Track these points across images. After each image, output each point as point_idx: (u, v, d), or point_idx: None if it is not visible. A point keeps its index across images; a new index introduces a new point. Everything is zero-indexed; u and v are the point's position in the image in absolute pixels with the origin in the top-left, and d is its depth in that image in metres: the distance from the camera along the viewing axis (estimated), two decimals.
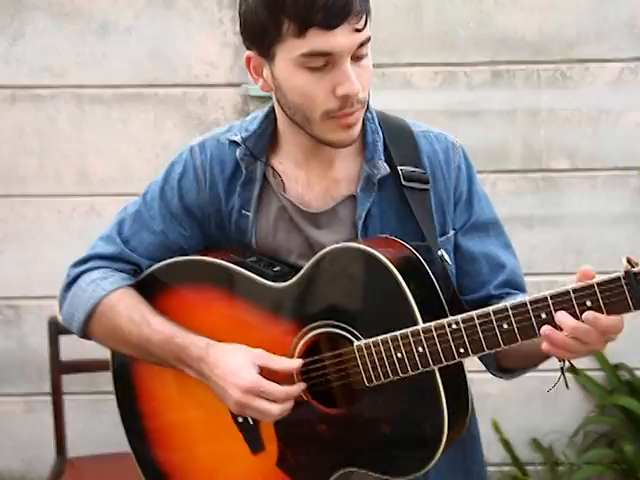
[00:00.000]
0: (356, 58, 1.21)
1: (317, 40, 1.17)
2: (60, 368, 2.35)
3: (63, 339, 2.35)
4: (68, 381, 2.39)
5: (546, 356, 1.23)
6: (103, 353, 2.41)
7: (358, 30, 1.18)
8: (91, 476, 2.30)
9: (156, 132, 2.63)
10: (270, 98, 1.32)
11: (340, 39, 1.17)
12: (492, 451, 2.66)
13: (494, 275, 1.35)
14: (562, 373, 1.23)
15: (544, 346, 1.14)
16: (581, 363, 2.66)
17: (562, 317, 1.12)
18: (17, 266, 2.67)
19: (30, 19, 2.58)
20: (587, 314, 1.11)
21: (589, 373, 2.70)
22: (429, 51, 2.60)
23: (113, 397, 1.47)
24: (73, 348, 2.39)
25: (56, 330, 2.34)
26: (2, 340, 2.71)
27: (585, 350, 1.14)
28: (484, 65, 2.60)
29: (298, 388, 1.27)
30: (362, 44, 1.20)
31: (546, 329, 1.13)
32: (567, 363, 1.21)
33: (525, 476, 2.70)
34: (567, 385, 1.24)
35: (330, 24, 1.16)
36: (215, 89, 2.61)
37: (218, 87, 2.61)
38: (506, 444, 2.71)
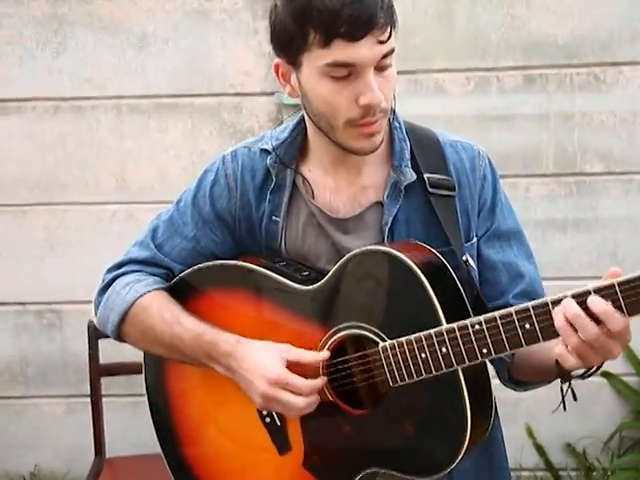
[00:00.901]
0: (380, 68, 1.23)
1: (341, 51, 1.20)
2: (99, 371, 2.37)
3: (102, 343, 2.37)
4: (107, 384, 2.40)
5: (556, 374, 1.23)
6: (141, 356, 2.44)
7: (382, 42, 1.21)
8: (128, 476, 2.31)
9: (193, 140, 2.66)
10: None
11: (363, 51, 1.20)
12: (525, 456, 2.67)
13: (513, 285, 1.36)
14: (562, 392, 1.23)
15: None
16: (616, 368, 2.63)
17: (567, 302, 1.11)
18: (59, 272, 2.73)
19: (72, 33, 2.63)
20: (595, 300, 1.09)
21: (624, 378, 2.68)
22: (461, 57, 2.60)
23: None
24: (112, 352, 2.39)
25: (95, 334, 2.35)
26: (45, 344, 2.77)
27: (586, 349, 1.12)
28: (516, 70, 2.60)
29: (321, 381, 1.29)
30: (385, 55, 1.22)
31: (557, 309, 1.11)
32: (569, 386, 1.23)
33: None
34: (564, 407, 1.24)
35: (354, 36, 1.19)
36: (250, 98, 2.65)
37: (253, 96, 2.64)
38: (540, 449, 2.70)
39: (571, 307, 1.10)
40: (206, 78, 2.64)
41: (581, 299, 1.10)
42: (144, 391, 1.49)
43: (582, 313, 1.10)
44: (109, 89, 2.65)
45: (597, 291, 1.10)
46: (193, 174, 1.46)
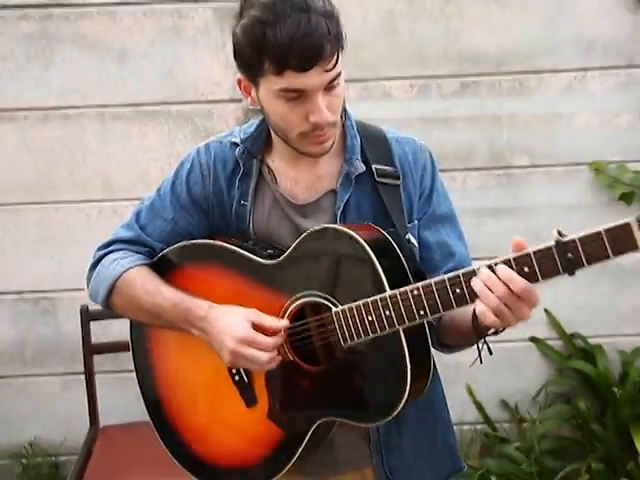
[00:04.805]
0: (328, 88, 1.30)
1: (292, 80, 1.26)
2: (91, 349, 2.44)
3: (93, 325, 2.44)
4: (97, 362, 2.47)
5: (473, 334, 1.28)
6: (127, 335, 2.51)
7: (328, 70, 1.27)
8: (120, 441, 2.39)
9: (169, 144, 2.71)
10: None
11: (311, 79, 1.26)
12: (467, 412, 2.77)
13: (444, 262, 1.43)
14: (477, 348, 1.29)
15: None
16: (542, 333, 2.77)
17: (482, 269, 1.18)
18: (51, 264, 2.77)
19: (59, 49, 2.68)
20: (502, 268, 1.16)
21: (549, 342, 2.79)
22: (405, 66, 2.70)
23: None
24: (102, 333, 2.50)
25: (87, 317, 2.43)
26: (41, 328, 2.81)
27: (498, 309, 1.17)
28: (453, 77, 2.71)
29: (281, 338, 1.35)
30: (333, 80, 1.29)
31: (475, 278, 1.19)
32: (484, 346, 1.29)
33: (495, 432, 2.77)
34: (481, 360, 1.30)
35: (303, 68, 1.25)
36: (220, 105, 2.70)
37: (222, 103, 2.70)
38: (479, 406, 2.79)
39: (485, 273, 1.20)
40: (180, 88, 2.70)
41: (492, 268, 1.19)
42: (131, 367, 1.55)
43: (493, 276, 1.18)
44: (94, 99, 2.70)
45: (516, 259, 1.17)
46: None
